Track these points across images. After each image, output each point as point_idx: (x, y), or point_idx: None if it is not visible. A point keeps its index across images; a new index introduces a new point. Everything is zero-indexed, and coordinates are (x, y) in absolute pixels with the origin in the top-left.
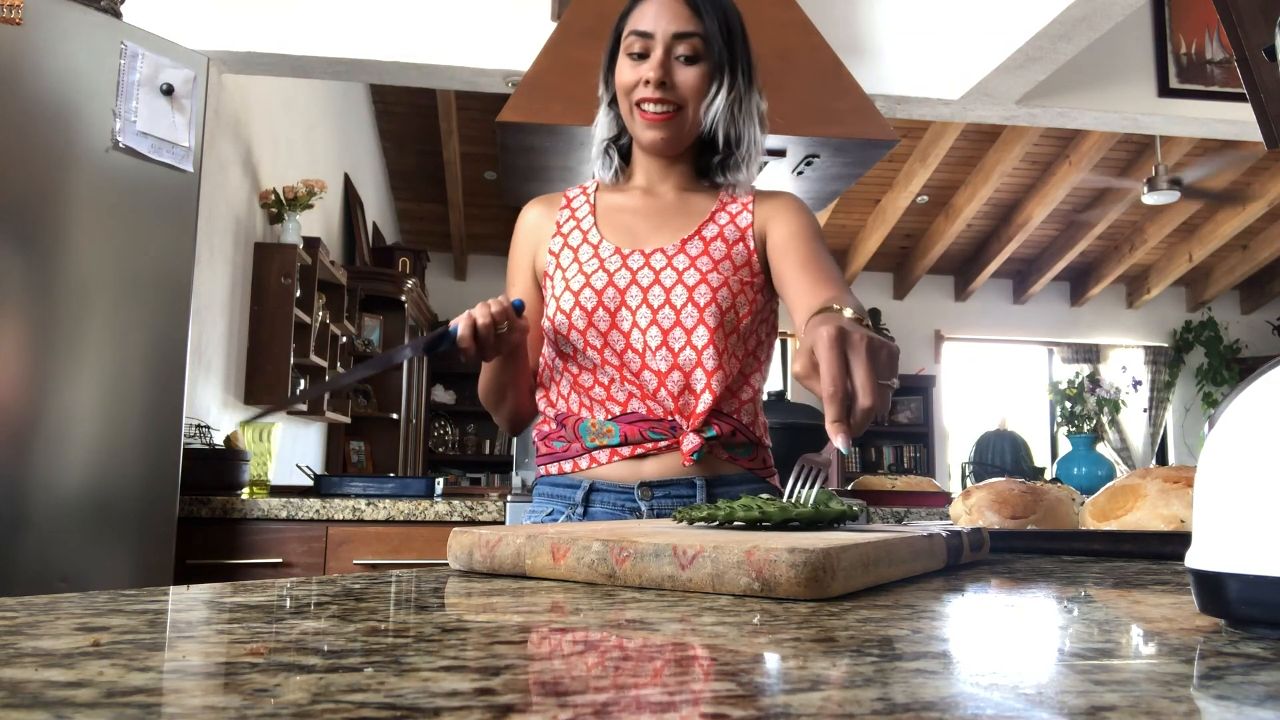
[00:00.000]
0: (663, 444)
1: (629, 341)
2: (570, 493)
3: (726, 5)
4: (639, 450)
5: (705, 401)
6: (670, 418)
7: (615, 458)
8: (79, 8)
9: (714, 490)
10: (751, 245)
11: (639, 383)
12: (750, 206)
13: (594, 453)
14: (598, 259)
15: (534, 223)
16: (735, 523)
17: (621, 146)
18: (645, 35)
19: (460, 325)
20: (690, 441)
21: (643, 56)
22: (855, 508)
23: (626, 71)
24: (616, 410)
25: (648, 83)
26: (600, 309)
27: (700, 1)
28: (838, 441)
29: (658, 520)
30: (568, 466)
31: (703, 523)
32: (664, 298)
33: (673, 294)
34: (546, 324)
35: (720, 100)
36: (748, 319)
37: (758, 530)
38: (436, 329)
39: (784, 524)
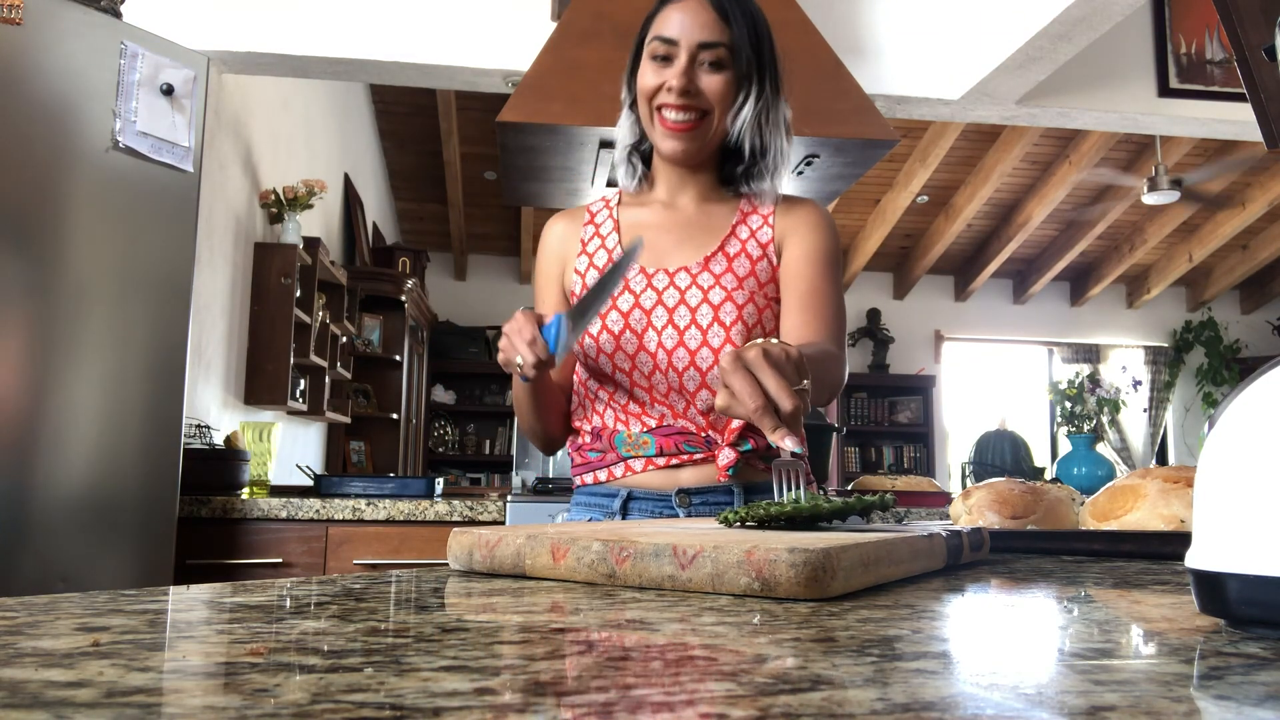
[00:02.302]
0: (698, 456)
1: (656, 362)
2: (609, 501)
3: (755, 11)
4: (674, 460)
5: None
6: (705, 433)
7: (651, 467)
8: (79, 8)
9: (750, 498)
10: (774, 261)
11: (669, 402)
12: (771, 220)
13: (629, 461)
14: (622, 280)
15: (559, 238)
16: (778, 521)
17: (644, 152)
18: (669, 42)
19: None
20: (726, 456)
21: (666, 60)
22: (889, 496)
23: (649, 75)
24: (652, 424)
25: (670, 89)
26: (627, 331)
27: (729, 8)
28: (788, 444)
29: (658, 521)
30: (603, 475)
31: (753, 523)
32: (689, 318)
33: (698, 313)
34: (575, 347)
35: (748, 110)
36: (775, 334)
37: (776, 530)
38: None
39: (837, 515)
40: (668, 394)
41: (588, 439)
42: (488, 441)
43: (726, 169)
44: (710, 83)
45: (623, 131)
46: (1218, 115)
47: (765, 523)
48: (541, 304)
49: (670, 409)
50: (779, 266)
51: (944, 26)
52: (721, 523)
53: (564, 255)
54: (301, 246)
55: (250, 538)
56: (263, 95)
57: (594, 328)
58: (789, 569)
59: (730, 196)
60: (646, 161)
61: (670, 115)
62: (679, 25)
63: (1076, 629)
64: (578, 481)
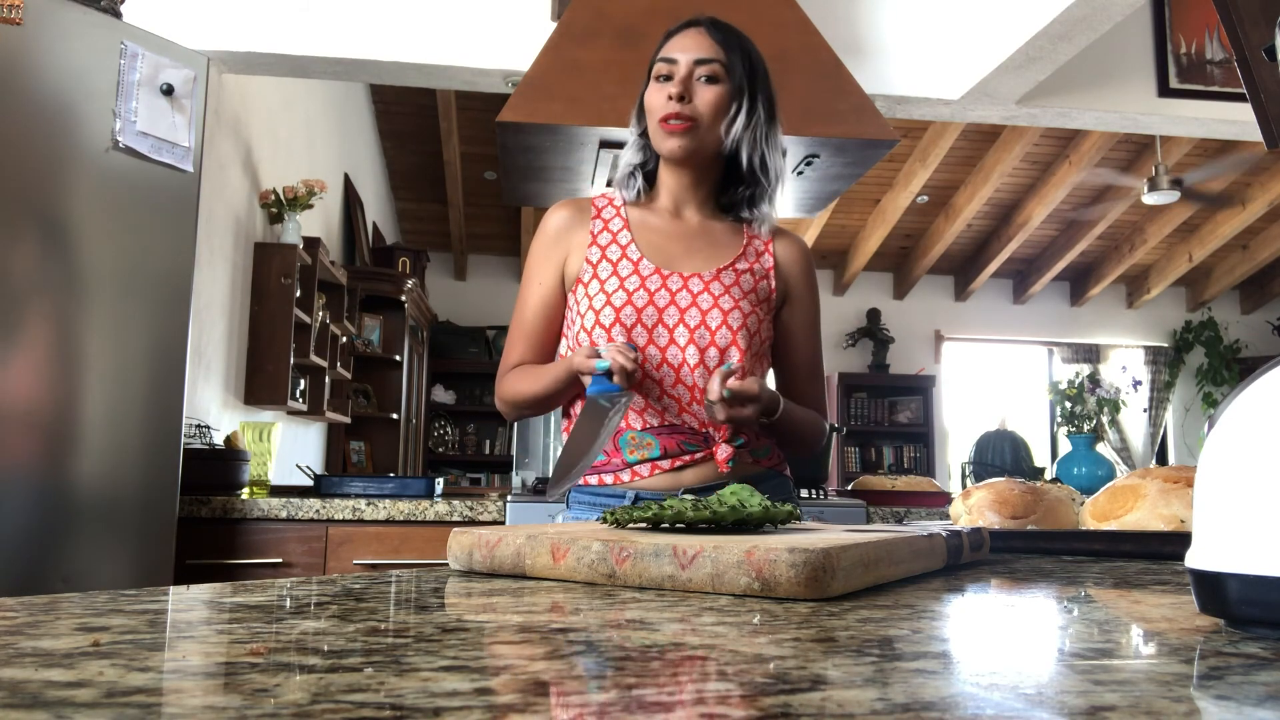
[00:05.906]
0: (698, 455)
1: (665, 357)
2: (616, 502)
3: (750, 46)
4: (678, 462)
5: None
6: (704, 430)
7: (656, 470)
8: (79, 8)
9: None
10: (774, 285)
11: (675, 395)
12: (771, 249)
13: (635, 466)
14: (638, 276)
15: (565, 225)
16: (673, 525)
17: (648, 173)
18: (670, 61)
19: (617, 376)
20: (725, 450)
21: (668, 79)
22: (795, 509)
23: (654, 93)
24: (654, 421)
25: (670, 97)
26: (639, 325)
27: (725, 37)
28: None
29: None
30: (609, 479)
31: (644, 524)
32: (700, 319)
33: (709, 316)
34: (583, 335)
35: (741, 120)
36: (769, 341)
37: (697, 533)
38: (597, 382)
39: (724, 525)
40: (674, 386)
41: None
42: (488, 441)
43: (728, 193)
44: (705, 94)
45: (628, 153)
46: (1218, 115)
47: (657, 525)
48: (531, 281)
49: (676, 401)
50: (777, 292)
51: (944, 26)
52: (606, 523)
53: (569, 242)
54: (301, 246)
55: (250, 538)
56: (263, 95)
57: (606, 318)
58: (789, 569)
59: (732, 222)
60: (649, 180)
61: (669, 119)
62: (679, 48)
63: (1076, 629)
64: (580, 481)
